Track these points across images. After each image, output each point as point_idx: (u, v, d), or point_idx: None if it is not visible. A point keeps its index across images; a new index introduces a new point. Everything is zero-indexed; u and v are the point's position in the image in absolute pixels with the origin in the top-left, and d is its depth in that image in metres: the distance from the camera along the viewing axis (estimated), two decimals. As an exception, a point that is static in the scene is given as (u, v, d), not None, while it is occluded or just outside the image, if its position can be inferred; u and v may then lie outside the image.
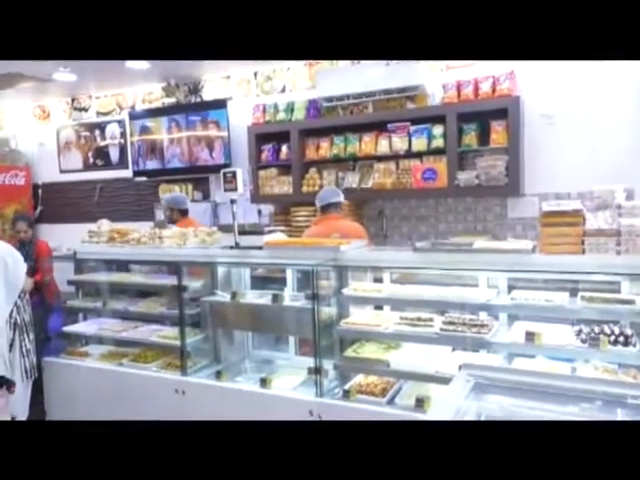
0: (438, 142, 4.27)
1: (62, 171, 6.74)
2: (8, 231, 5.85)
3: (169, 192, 5.66)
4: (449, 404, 1.69)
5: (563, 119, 4.10)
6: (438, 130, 4.27)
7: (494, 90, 4.10)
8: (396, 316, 2.82)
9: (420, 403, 2.51)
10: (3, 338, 3.21)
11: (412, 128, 4.38)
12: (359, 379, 2.89)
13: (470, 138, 4.19)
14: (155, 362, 3.42)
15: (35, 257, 4.21)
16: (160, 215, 5.40)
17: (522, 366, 2.47)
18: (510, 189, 4.06)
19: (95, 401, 3.48)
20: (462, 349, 2.75)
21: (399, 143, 4.42)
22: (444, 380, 2.48)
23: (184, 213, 4.47)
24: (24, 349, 3.32)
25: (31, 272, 4.03)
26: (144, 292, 3.94)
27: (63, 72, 5.24)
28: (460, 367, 2.00)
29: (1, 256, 3.20)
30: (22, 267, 3.32)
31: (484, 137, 4.19)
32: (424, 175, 4.26)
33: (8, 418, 2.75)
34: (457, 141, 4.19)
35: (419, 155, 4.39)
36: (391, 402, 2.65)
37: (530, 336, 2.39)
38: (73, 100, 6.52)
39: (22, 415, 3.37)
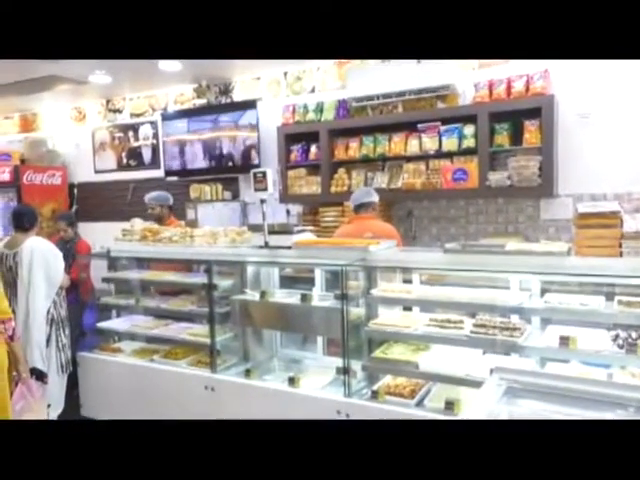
0: (469, 142, 4.21)
1: (97, 171, 6.91)
2: (46, 229, 6.05)
3: (200, 192, 5.74)
4: (481, 408, 1.66)
5: (599, 118, 3.99)
6: (469, 130, 4.21)
7: (527, 89, 4.02)
8: (425, 317, 2.79)
9: (450, 406, 2.48)
10: (42, 332, 3.32)
11: (442, 128, 4.33)
12: (387, 380, 2.88)
13: (502, 138, 4.11)
14: (185, 359, 3.48)
15: (75, 255, 4.33)
16: (191, 214, 5.49)
17: (555, 371, 2.41)
18: (543, 190, 3.97)
19: (127, 396, 3.56)
20: (493, 352, 2.71)
21: (429, 143, 4.38)
22: (474, 383, 2.45)
23: (171, 209, 4.54)
24: (60, 344, 3.43)
25: (69, 269, 4.16)
26: (175, 290, 4.01)
27: (99, 74, 5.38)
28: (492, 371, 1.97)
29: (42, 253, 3.32)
30: (61, 264, 3.43)
31: (517, 137, 4.11)
32: (454, 175, 4.21)
33: (46, 406, 2.86)
34: (489, 141, 4.12)
35: (449, 155, 4.34)
36: (420, 404, 2.63)
37: (564, 340, 2.34)
38: (108, 102, 6.69)
39: (57, 406, 3.47)
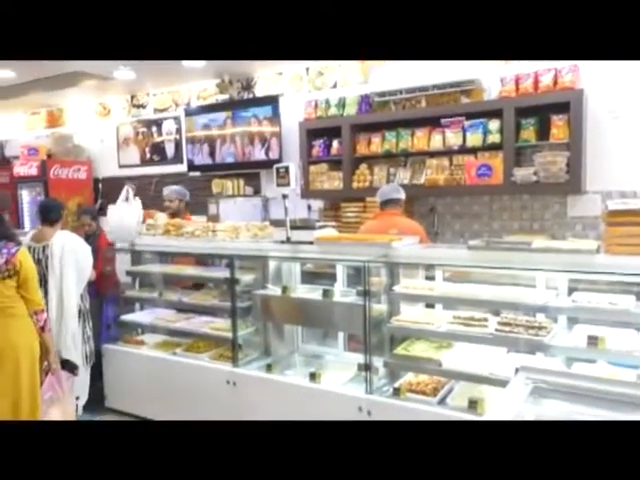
0: (494, 137, 4.14)
1: (121, 166, 7.01)
2: (71, 223, 6.15)
3: (222, 187, 5.77)
4: (507, 408, 1.64)
5: (630, 114, 3.88)
6: (494, 125, 4.14)
7: (555, 83, 3.93)
8: (449, 315, 2.76)
9: (473, 405, 2.45)
10: (75, 326, 3.38)
11: (467, 123, 4.27)
12: (409, 377, 2.86)
13: (528, 133, 4.03)
14: (207, 353, 3.51)
15: (97, 249, 4.38)
16: (213, 209, 5.52)
17: (583, 371, 2.36)
18: (571, 186, 3.88)
19: (150, 388, 3.61)
20: (517, 351, 2.67)
21: (453, 138, 4.32)
22: (498, 382, 2.42)
23: (187, 205, 4.63)
24: (85, 336, 3.49)
25: (93, 263, 4.21)
26: (197, 284, 4.05)
27: (123, 70, 5.44)
28: (517, 370, 1.94)
29: (72, 247, 3.37)
30: (90, 259, 3.48)
31: (543, 132, 4.02)
32: (479, 171, 4.14)
33: (74, 398, 2.91)
34: (514, 136, 4.05)
35: (474, 151, 4.27)
36: (442, 402, 2.61)
37: (593, 340, 2.29)
38: (132, 97, 6.77)
39: (82, 397, 3.54)
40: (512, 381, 1.86)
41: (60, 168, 6.75)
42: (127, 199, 3.87)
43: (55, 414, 2.82)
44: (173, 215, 4.35)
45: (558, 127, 3.91)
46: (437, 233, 4.65)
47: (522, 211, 4.38)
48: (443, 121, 4.36)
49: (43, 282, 3.33)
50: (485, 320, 2.61)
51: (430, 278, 3.07)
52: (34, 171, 6.69)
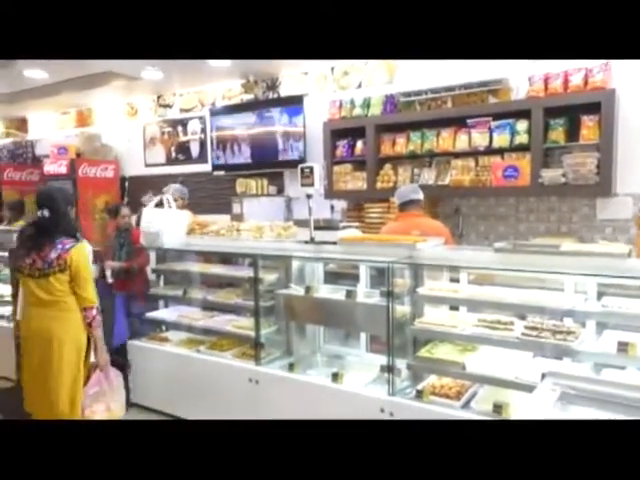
0: (522, 138, 4.07)
1: (147, 165, 7.12)
2: (98, 220, 6.28)
3: (246, 186, 5.81)
4: (533, 413, 1.61)
5: (664, 114, 3.78)
6: (522, 125, 4.07)
7: (586, 83, 3.85)
8: (473, 318, 2.73)
9: (498, 409, 2.42)
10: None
11: (493, 123, 4.21)
12: (432, 380, 2.83)
13: (557, 134, 3.96)
14: (230, 351, 3.53)
15: (129, 243, 4.41)
16: (237, 209, 5.56)
17: (612, 378, 2.31)
18: (601, 188, 3.80)
19: (173, 384, 3.66)
20: (544, 356, 2.62)
21: (479, 139, 4.27)
22: (524, 387, 2.38)
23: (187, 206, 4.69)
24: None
25: (125, 257, 4.28)
26: (221, 282, 4.08)
27: (150, 70, 5.52)
28: (543, 375, 1.90)
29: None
30: (90, 258, 3.44)
31: (573, 133, 3.94)
32: (505, 172, 4.08)
33: (122, 394, 2.94)
34: (543, 137, 3.97)
35: (500, 151, 4.21)
36: (466, 406, 2.58)
37: (623, 346, 2.23)
38: (159, 97, 6.86)
39: None
40: (539, 386, 1.82)
41: (88, 167, 6.89)
42: (171, 206, 3.92)
43: (99, 410, 2.84)
44: None
45: (588, 128, 3.83)
46: (462, 235, 4.60)
47: (549, 213, 4.30)
48: (469, 121, 4.31)
49: None
50: (511, 324, 2.57)
51: (455, 280, 3.03)
52: (63, 169, 6.84)
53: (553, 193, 4.11)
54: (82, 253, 2.79)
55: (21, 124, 8.66)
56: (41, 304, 2.76)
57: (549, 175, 3.90)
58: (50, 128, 8.17)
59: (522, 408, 1.80)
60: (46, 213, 2.75)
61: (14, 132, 8.75)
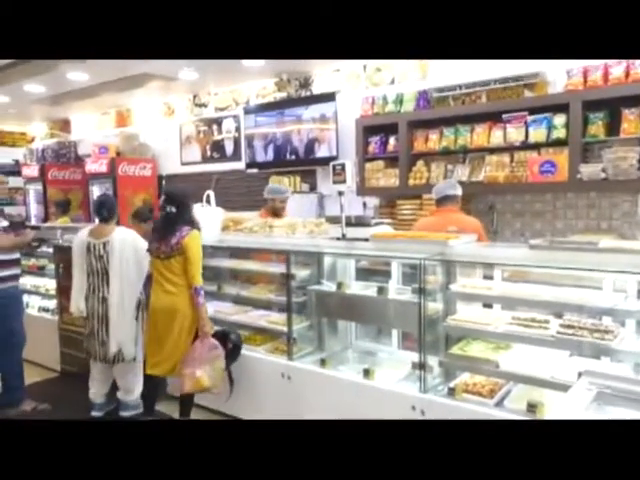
0: (559, 132, 3.97)
1: (183, 163, 7.28)
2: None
3: (278, 183, 5.87)
4: (569, 413, 1.58)
5: None
6: (560, 120, 3.97)
7: (627, 75, 3.72)
8: (507, 315, 2.69)
9: (532, 408, 2.38)
10: (133, 318, 3.54)
11: (530, 118, 4.12)
12: (465, 378, 2.81)
13: (597, 128, 3.84)
14: (263, 345, 3.59)
15: None
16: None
17: (653, 379, 2.24)
18: (643, 184, 3.67)
19: (209, 377, 3.73)
20: (580, 355, 2.56)
21: (515, 134, 4.19)
22: (560, 386, 2.34)
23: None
24: (144, 323, 3.64)
25: None
26: (254, 278, 4.14)
27: (187, 71, 5.65)
28: (580, 374, 1.87)
29: (131, 242, 3.54)
30: (147, 254, 3.61)
31: (613, 127, 3.82)
32: (542, 168, 3.99)
33: (212, 366, 3.17)
34: (581, 131, 3.87)
35: (537, 147, 4.12)
36: (499, 404, 2.55)
37: (664, 346, 2.16)
38: (194, 97, 7.01)
39: (139, 386, 3.69)
40: (574, 386, 1.79)
41: (127, 165, 7.10)
42: (209, 202, 4.04)
43: (188, 373, 3.11)
44: None
45: (629, 121, 3.71)
46: (496, 232, 4.53)
47: (588, 210, 4.19)
48: (504, 116, 4.24)
49: (105, 277, 3.49)
50: (547, 322, 2.53)
51: (488, 277, 2.99)
52: (104, 168, 7.08)
53: (592, 189, 4.00)
54: (194, 239, 3.21)
55: (64, 125, 9.00)
56: (167, 282, 3.23)
57: (588, 170, 3.79)
58: (91, 128, 8.46)
59: (556, 408, 1.77)
60: (173, 209, 3.22)
61: (58, 133, 9.10)
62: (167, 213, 3.26)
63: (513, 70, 4.19)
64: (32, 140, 9.69)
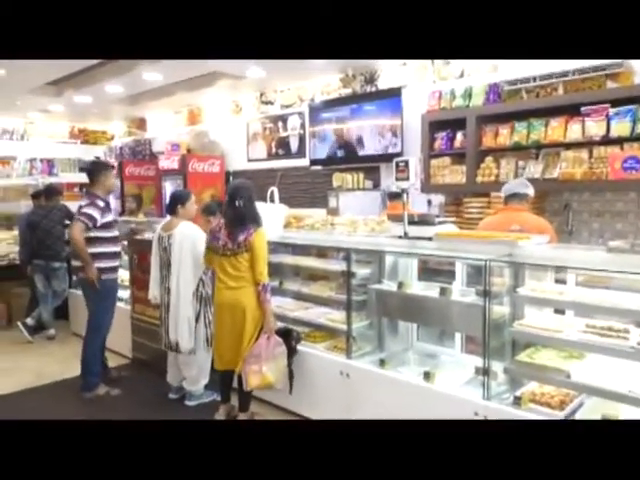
0: (645, 126, 3.67)
1: (249, 160, 7.44)
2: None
3: (342, 180, 5.85)
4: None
5: None
6: (646, 112, 3.67)
7: None
8: (581, 323, 2.52)
9: (606, 424, 2.21)
10: (190, 308, 3.66)
11: (612, 110, 3.83)
12: (532, 387, 2.66)
13: (690, 120, 3.51)
14: (323, 343, 3.59)
15: None
16: (333, 202, 5.62)
17: None
18: None
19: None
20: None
21: (594, 128, 3.91)
22: (638, 402, 2.15)
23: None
24: (207, 320, 3.74)
25: None
26: (314, 275, 4.15)
27: (255, 69, 5.75)
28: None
29: (189, 235, 3.66)
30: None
31: None
32: (625, 164, 3.70)
33: (273, 363, 3.24)
34: (671, 124, 3.55)
35: (619, 141, 3.82)
36: (569, 418, 2.39)
37: None
38: (261, 95, 7.13)
39: (204, 379, 3.81)
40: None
41: (197, 162, 7.33)
42: (272, 200, 4.09)
43: (254, 369, 3.19)
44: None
45: None
46: (571, 232, 4.25)
47: (678, 210, 3.84)
48: (583, 109, 3.96)
49: (169, 268, 3.66)
50: (626, 331, 2.33)
51: (560, 281, 2.81)
52: (175, 165, 7.35)
53: (683, 187, 3.66)
54: (260, 236, 3.26)
55: (141, 123, 9.47)
56: (231, 278, 3.27)
57: (678, 167, 3.47)
58: (165, 126, 8.84)
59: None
60: (242, 202, 3.24)
61: (134, 131, 9.60)
62: (235, 207, 3.26)
63: (594, 60, 3.90)
64: (112, 138, 10.28)
